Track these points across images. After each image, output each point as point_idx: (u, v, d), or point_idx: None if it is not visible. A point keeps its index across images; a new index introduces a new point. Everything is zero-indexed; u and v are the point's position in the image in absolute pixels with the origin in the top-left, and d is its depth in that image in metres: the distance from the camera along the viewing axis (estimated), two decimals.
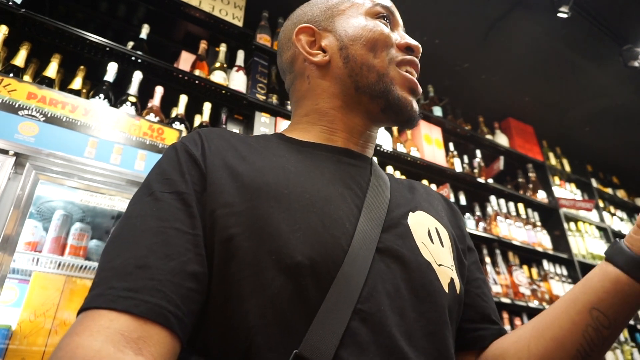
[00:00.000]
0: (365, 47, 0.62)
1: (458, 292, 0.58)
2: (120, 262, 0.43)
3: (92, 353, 0.36)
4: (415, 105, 0.64)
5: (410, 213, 0.60)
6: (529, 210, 3.12)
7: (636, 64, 2.62)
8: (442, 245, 0.60)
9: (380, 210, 0.56)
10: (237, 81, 2.14)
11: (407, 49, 0.64)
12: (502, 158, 2.84)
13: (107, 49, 1.82)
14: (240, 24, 2.27)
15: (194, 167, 0.52)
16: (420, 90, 0.65)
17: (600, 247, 3.33)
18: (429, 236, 0.59)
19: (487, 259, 2.63)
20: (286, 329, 0.45)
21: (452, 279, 0.57)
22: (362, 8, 0.66)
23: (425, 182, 2.65)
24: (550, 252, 2.91)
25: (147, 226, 0.46)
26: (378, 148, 2.47)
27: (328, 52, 0.65)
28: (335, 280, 0.47)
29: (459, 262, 0.63)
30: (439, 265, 0.56)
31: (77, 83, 1.74)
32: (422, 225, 0.60)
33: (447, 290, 0.55)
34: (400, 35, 0.66)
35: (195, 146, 0.54)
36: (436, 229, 0.62)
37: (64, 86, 1.77)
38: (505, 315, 2.48)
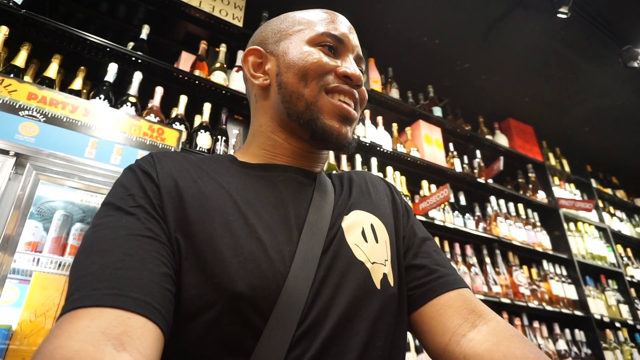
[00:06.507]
0: (296, 75, 0.63)
1: (392, 284, 0.60)
2: (97, 268, 0.44)
3: (70, 354, 0.36)
4: (346, 131, 0.64)
5: (345, 216, 0.63)
6: (529, 211, 3.12)
7: (636, 64, 2.62)
8: (377, 242, 0.63)
9: (322, 224, 0.60)
10: (237, 81, 2.14)
11: (345, 77, 0.64)
12: (502, 158, 2.85)
13: (108, 49, 1.82)
14: (240, 24, 2.27)
15: (152, 184, 0.55)
16: (355, 115, 0.65)
17: (599, 247, 3.33)
18: (362, 236, 0.62)
19: (487, 259, 2.63)
20: (233, 346, 0.48)
21: (384, 275, 0.60)
22: (308, 35, 0.66)
23: (425, 182, 2.65)
24: (550, 252, 2.92)
25: (118, 234, 0.48)
26: (378, 148, 2.47)
27: (269, 76, 0.67)
28: (278, 301, 0.50)
29: (397, 252, 0.65)
30: (373, 263, 0.59)
31: (77, 83, 1.74)
32: (356, 225, 0.63)
33: (379, 287, 0.58)
34: (343, 64, 0.66)
35: (151, 166, 0.57)
36: (371, 225, 0.64)
37: (64, 86, 1.77)
38: (505, 316, 2.48)
